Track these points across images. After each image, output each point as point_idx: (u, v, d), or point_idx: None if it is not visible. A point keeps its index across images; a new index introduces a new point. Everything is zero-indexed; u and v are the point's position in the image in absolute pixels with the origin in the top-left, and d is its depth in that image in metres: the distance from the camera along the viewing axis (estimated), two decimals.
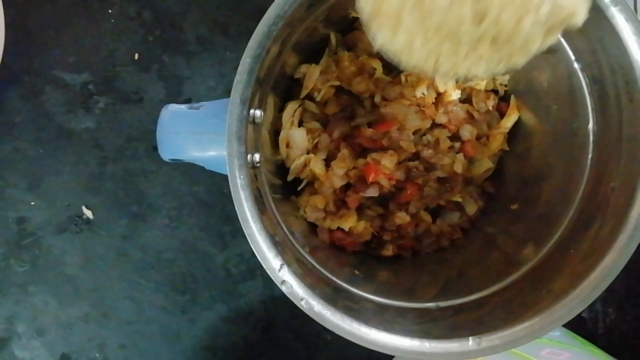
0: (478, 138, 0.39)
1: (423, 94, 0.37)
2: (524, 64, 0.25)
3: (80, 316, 0.44)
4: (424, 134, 0.38)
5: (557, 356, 0.37)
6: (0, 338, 0.44)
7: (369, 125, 0.37)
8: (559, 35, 0.25)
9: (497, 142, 0.39)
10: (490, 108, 0.39)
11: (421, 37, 0.24)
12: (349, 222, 0.37)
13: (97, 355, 0.44)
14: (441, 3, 0.23)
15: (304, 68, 0.37)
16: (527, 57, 0.25)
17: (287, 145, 0.37)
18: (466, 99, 0.39)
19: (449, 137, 0.38)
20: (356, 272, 0.36)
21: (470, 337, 0.28)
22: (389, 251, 0.39)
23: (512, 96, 0.39)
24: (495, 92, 0.39)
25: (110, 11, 0.45)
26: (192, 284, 0.44)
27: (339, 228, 0.38)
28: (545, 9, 0.23)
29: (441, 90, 0.38)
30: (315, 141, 0.37)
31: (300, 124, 0.37)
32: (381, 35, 0.25)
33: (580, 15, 0.24)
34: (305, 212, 0.38)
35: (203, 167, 0.34)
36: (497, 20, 0.23)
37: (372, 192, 0.37)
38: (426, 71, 0.26)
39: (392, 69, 0.37)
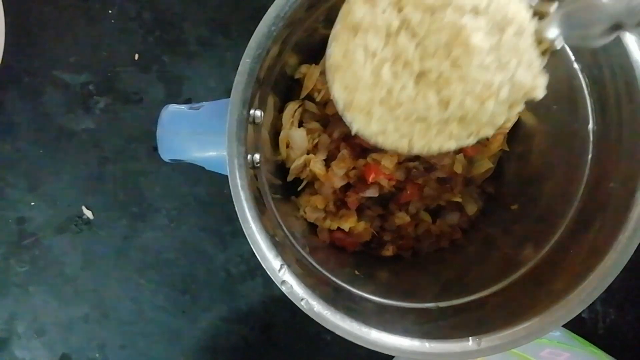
0: None
1: None
2: (493, 133, 0.27)
3: (80, 316, 0.44)
4: None
5: (557, 356, 0.37)
6: (0, 338, 0.44)
7: None
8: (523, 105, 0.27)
9: (497, 142, 0.39)
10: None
11: (392, 123, 0.26)
12: (349, 223, 0.37)
13: (97, 355, 0.44)
14: (407, 96, 0.25)
15: (304, 68, 0.37)
16: (495, 128, 0.27)
17: (287, 146, 0.37)
18: None
19: None
20: (356, 272, 0.36)
21: (470, 338, 0.28)
22: (389, 251, 0.39)
23: None
24: None
25: (110, 11, 0.45)
26: (192, 284, 0.44)
27: (339, 228, 0.38)
28: (504, 92, 0.25)
29: None
30: (315, 141, 0.37)
31: (300, 125, 0.37)
32: (356, 123, 0.27)
33: (539, 89, 0.26)
34: (305, 213, 0.38)
35: (203, 168, 0.34)
36: (462, 105, 0.25)
37: (372, 192, 0.37)
38: (402, 149, 0.27)
39: None
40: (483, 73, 0.25)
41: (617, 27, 0.23)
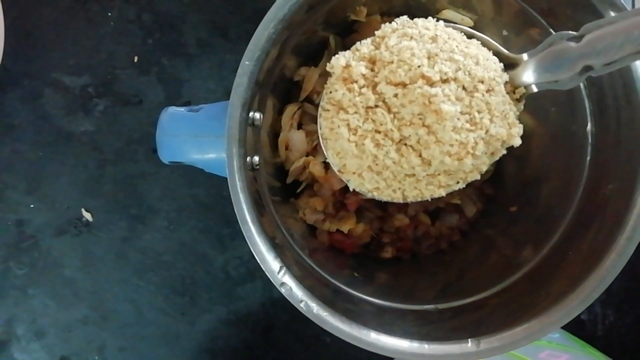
0: None
1: None
2: (480, 177, 0.29)
3: (80, 318, 0.44)
4: None
5: (556, 358, 0.37)
6: (0, 341, 0.44)
7: None
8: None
9: None
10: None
11: (383, 182, 0.29)
12: (348, 224, 0.37)
13: (97, 357, 0.44)
14: (391, 161, 0.28)
15: (303, 71, 0.37)
16: (481, 173, 0.29)
17: (287, 148, 0.37)
18: None
19: None
20: (355, 274, 0.36)
21: (469, 339, 0.28)
22: (388, 253, 0.39)
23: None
24: None
25: (109, 14, 0.45)
26: (192, 287, 0.44)
27: (338, 230, 0.38)
28: (481, 148, 0.27)
29: None
30: (315, 143, 0.37)
31: (299, 127, 0.38)
32: (351, 183, 0.30)
33: (515, 139, 0.28)
34: (304, 215, 0.38)
35: (202, 170, 0.34)
36: (443, 163, 0.27)
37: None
38: (397, 200, 0.30)
39: None
40: (457, 135, 0.27)
41: (587, 69, 0.25)
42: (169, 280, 0.44)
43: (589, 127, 0.32)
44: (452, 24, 0.30)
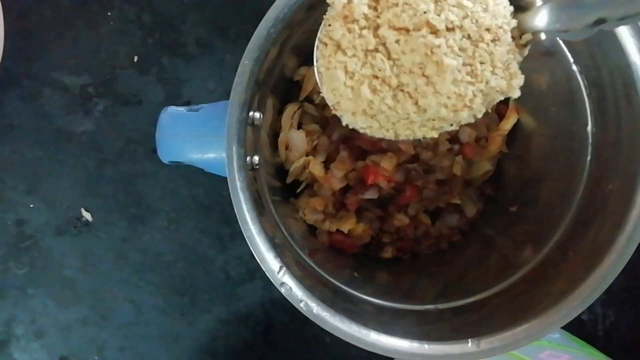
0: (477, 140, 0.39)
1: None
2: (474, 120, 0.28)
3: (79, 318, 0.44)
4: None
5: (557, 358, 0.37)
6: None
7: None
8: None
9: (496, 144, 0.39)
10: (489, 110, 0.39)
11: (377, 123, 0.28)
12: (348, 224, 0.37)
13: (96, 357, 0.44)
14: (385, 107, 0.27)
15: (303, 70, 0.37)
16: (477, 118, 0.28)
17: (287, 148, 0.37)
18: None
19: (448, 140, 0.38)
20: (355, 274, 0.36)
21: (469, 339, 0.28)
22: (388, 253, 0.39)
23: (511, 98, 0.39)
24: None
25: (109, 14, 0.45)
26: (191, 287, 0.44)
27: (338, 230, 0.38)
28: (478, 101, 0.27)
29: None
30: (315, 143, 0.37)
31: (299, 126, 0.38)
32: (344, 119, 0.29)
33: (515, 91, 0.27)
34: (304, 214, 0.38)
35: (202, 170, 0.34)
36: (438, 113, 0.27)
37: (371, 194, 0.37)
38: (389, 138, 0.29)
39: None
40: (456, 87, 0.26)
41: (600, 21, 0.23)
42: (169, 280, 0.44)
43: (589, 127, 0.32)
44: None
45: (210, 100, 0.42)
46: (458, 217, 0.39)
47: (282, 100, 0.37)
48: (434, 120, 0.28)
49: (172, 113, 0.34)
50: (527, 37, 0.27)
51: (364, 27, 0.26)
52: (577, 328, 0.44)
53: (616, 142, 0.31)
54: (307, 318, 0.27)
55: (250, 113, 0.29)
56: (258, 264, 0.27)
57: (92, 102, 0.45)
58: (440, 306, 0.32)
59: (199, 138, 0.32)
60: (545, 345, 0.38)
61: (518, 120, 0.39)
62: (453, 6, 0.25)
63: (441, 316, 0.32)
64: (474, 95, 0.26)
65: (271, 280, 0.27)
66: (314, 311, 0.27)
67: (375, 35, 0.26)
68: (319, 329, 0.27)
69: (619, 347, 0.45)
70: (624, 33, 0.28)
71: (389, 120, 0.28)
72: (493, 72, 0.26)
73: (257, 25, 0.28)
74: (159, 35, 0.45)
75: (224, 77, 0.45)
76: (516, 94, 0.27)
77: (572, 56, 0.32)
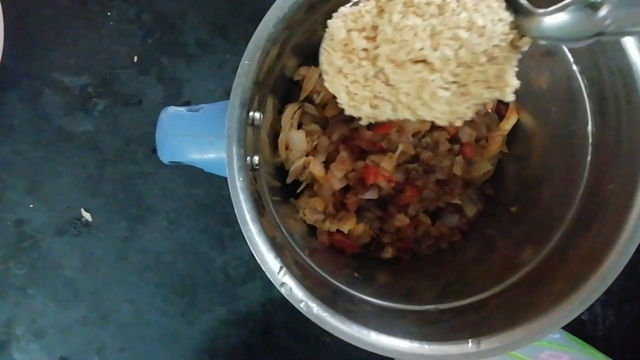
0: (477, 140, 0.39)
1: None
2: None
3: (79, 319, 0.44)
4: (423, 136, 0.38)
5: (557, 359, 0.37)
6: None
7: (368, 127, 0.37)
8: None
9: (496, 144, 0.39)
10: (489, 110, 0.39)
11: (377, 119, 0.30)
12: (348, 225, 0.37)
13: (96, 358, 0.44)
14: (384, 115, 0.29)
15: (303, 70, 0.37)
16: (476, 108, 0.29)
17: (287, 148, 0.37)
18: None
19: (448, 140, 0.38)
20: (355, 274, 0.36)
21: (469, 340, 0.28)
22: (388, 253, 0.39)
23: None
24: None
25: (109, 14, 0.45)
26: (191, 287, 0.44)
27: (338, 230, 0.38)
28: (471, 111, 0.28)
29: None
30: (315, 143, 0.37)
31: (299, 127, 0.38)
32: (347, 111, 0.30)
33: (508, 96, 0.28)
34: (304, 215, 0.38)
35: (202, 170, 0.34)
36: (435, 119, 0.29)
37: (372, 194, 0.37)
38: (387, 117, 0.30)
39: None
40: (450, 107, 0.27)
41: (599, 34, 0.24)
42: (169, 280, 0.44)
43: (589, 127, 0.32)
44: None
45: (211, 101, 0.42)
46: (458, 217, 0.39)
47: (282, 100, 0.37)
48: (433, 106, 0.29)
49: (172, 113, 0.34)
50: (525, 40, 0.27)
51: (363, 58, 0.28)
52: (577, 328, 0.44)
53: (616, 141, 0.31)
54: (307, 318, 0.27)
55: (250, 113, 0.29)
56: (258, 264, 0.27)
57: (92, 102, 0.45)
58: (441, 306, 0.32)
59: (199, 138, 0.32)
60: (545, 345, 0.38)
61: (518, 120, 0.39)
62: (449, 39, 0.26)
63: (441, 316, 0.32)
64: (468, 108, 0.28)
65: (271, 280, 0.27)
66: (314, 311, 0.27)
67: (374, 65, 0.28)
68: (319, 329, 0.27)
69: (619, 347, 0.45)
70: None
71: (387, 97, 0.30)
72: (487, 87, 0.27)
73: (257, 25, 0.28)
74: (159, 35, 0.45)
75: (224, 77, 0.45)
76: (509, 98, 0.28)
77: (573, 56, 0.32)
